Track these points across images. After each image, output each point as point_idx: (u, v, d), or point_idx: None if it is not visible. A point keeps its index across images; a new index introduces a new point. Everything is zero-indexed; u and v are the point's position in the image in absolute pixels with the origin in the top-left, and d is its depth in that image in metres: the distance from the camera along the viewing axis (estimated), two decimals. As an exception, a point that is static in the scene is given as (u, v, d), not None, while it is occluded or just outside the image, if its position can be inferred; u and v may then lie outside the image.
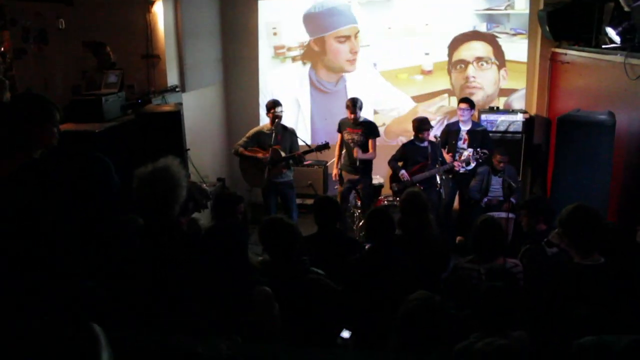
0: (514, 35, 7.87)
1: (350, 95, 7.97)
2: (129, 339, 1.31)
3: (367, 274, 3.46)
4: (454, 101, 8.03)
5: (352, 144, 6.42)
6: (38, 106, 2.65)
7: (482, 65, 8.00)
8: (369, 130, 6.47)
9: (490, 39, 7.93)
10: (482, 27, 7.93)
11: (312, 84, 8.47)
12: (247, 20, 8.41)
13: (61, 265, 2.04)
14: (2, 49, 7.98)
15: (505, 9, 7.84)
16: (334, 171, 6.84)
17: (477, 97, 7.91)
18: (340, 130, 6.62)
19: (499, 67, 7.97)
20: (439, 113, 8.25)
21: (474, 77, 8.04)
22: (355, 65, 8.29)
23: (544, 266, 3.63)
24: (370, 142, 6.44)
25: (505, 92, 8.05)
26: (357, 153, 6.33)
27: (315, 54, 8.37)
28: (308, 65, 8.44)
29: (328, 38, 8.26)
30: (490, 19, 7.90)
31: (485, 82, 8.04)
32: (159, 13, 6.63)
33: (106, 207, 2.51)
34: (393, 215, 3.77)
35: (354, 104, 6.38)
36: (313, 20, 8.27)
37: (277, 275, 2.81)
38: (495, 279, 3.16)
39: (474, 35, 7.97)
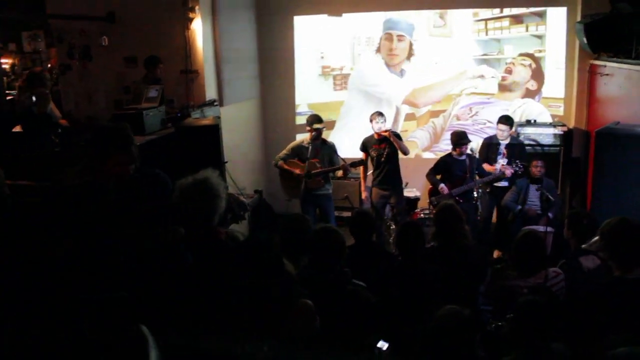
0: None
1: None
2: (175, 341, 1.36)
3: (396, 287, 3.46)
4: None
5: (382, 158, 6.43)
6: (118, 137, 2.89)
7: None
8: (395, 136, 6.44)
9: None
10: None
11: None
12: (283, 37, 8.56)
13: (111, 271, 2.12)
14: (50, 65, 8.31)
15: (497, 54, 8.06)
16: (363, 194, 6.87)
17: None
18: (365, 149, 6.61)
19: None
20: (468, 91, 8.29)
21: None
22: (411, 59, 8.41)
23: (580, 280, 3.58)
24: (398, 144, 6.40)
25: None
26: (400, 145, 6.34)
27: (384, 47, 8.51)
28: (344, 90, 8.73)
29: (393, 34, 8.40)
30: (484, 64, 8.11)
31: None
32: (198, 30, 6.80)
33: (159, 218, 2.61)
34: (423, 229, 3.77)
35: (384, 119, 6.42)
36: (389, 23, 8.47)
37: (318, 284, 2.84)
38: (535, 294, 3.13)
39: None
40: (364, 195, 6.87)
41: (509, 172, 6.35)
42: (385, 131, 6.33)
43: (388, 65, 8.45)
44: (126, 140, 2.94)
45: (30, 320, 1.76)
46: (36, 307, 2.10)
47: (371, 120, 6.43)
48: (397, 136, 6.53)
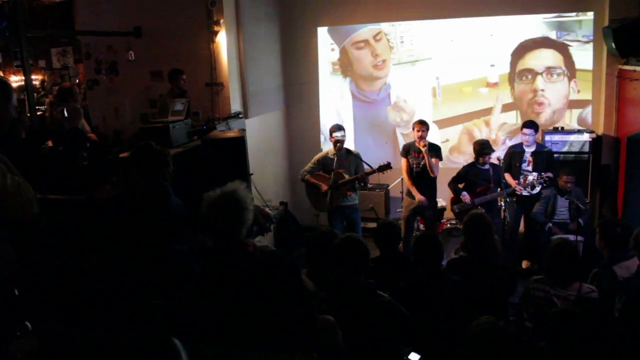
0: (587, 42, 7.48)
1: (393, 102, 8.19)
2: (210, 353, 1.36)
3: (414, 299, 3.41)
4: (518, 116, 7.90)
5: (416, 168, 6.34)
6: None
7: (551, 76, 7.67)
8: (434, 152, 6.33)
9: (560, 47, 7.61)
10: (552, 35, 7.60)
11: (354, 97, 8.51)
12: (306, 48, 8.59)
13: (140, 284, 2.13)
14: (78, 80, 8.47)
15: (577, 15, 7.51)
16: (417, 196, 6.43)
17: (545, 114, 7.76)
18: (406, 155, 6.48)
19: (570, 79, 7.68)
20: (502, 132, 8.05)
21: (542, 90, 7.73)
22: (386, 68, 8.17)
23: (613, 290, 3.49)
24: (434, 160, 6.28)
25: (577, 104, 7.73)
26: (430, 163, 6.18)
27: (346, 66, 8.41)
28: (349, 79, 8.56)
29: (348, 47, 8.29)
30: (560, 26, 7.57)
31: (553, 96, 7.73)
32: (222, 42, 6.86)
33: (168, 228, 2.62)
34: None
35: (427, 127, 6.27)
36: (335, 33, 8.39)
37: (343, 296, 2.81)
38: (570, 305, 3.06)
39: (543, 43, 7.64)
40: (417, 197, 6.42)
41: (518, 188, 6.27)
42: (421, 142, 6.15)
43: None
44: (167, 163, 3.07)
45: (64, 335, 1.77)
46: (68, 320, 2.12)
47: (413, 129, 6.32)
48: (435, 149, 6.38)
